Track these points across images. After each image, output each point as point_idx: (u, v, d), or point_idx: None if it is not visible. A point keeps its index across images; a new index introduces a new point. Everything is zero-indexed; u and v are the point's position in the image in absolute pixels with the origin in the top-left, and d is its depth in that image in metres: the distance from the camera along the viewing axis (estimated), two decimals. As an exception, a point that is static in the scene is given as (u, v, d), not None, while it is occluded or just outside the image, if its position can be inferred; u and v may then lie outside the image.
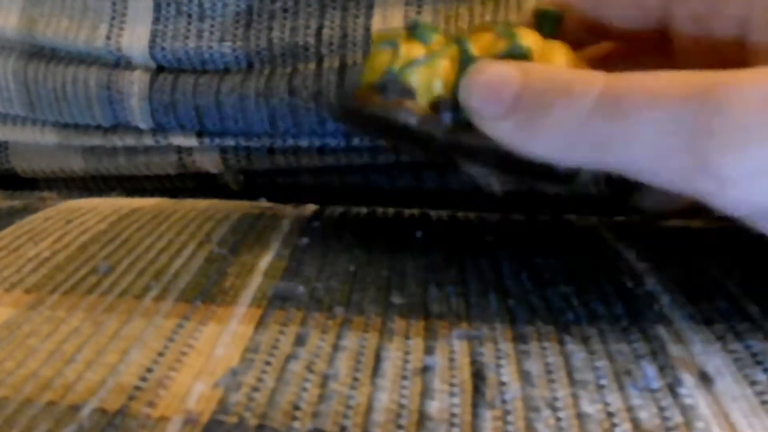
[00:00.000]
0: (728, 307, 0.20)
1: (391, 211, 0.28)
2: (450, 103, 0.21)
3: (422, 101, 0.22)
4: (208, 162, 0.36)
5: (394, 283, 0.22)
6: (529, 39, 0.22)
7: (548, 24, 0.23)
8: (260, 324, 0.19)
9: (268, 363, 0.18)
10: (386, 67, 0.22)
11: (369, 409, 0.16)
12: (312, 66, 0.32)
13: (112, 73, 0.34)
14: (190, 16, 0.33)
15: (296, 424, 0.16)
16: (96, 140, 0.36)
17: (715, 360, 0.18)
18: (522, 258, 0.23)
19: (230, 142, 0.34)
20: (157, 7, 0.33)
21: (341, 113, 0.25)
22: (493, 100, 0.20)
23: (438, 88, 0.22)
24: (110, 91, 0.34)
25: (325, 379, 0.17)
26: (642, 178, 0.18)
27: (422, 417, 0.16)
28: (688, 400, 0.16)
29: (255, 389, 0.17)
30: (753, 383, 0.17)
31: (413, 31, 0.23)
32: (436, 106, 0.22)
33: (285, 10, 0.32)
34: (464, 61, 0.21)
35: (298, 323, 0.19)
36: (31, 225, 0.27)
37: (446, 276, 0.22)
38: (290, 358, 0.18)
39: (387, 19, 0.32)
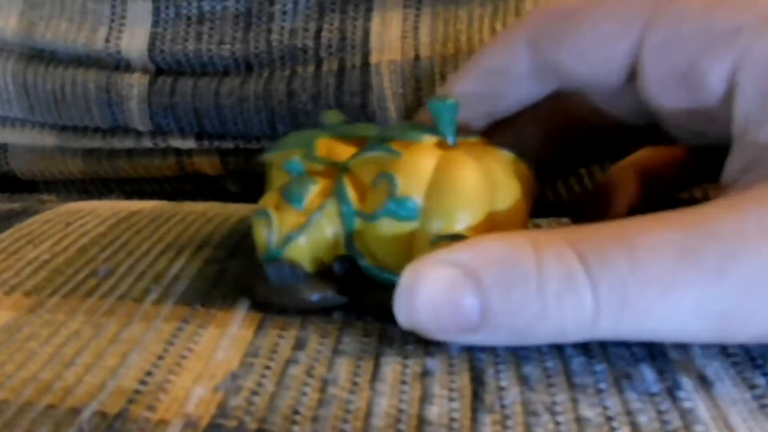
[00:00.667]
0: None
1: None
2: (342, 263, 0.20)
3: (311, 268, 0.20)
4: (207, 164, 0.36)
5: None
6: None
7: (449, 117, 0.20)
8: (260, 328, 0.20)
9: (267, 367, 0.18)
10: (264, 243, 0.20)
11: (368, 413, 0.16)
12: (311, 68, 0.32)
13: (111, 75, 0.34)
14: (189, 18, 0.33)
15: (296, 429, 0.16)
16: (95, 142, 0.36)
17: (714, 364, 0.18)
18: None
19: (229, 144, 0.34)
20: (156, 10, 0.33)
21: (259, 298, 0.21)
22: (451, 324, 0.17)
23: (325, 249, 0.20)
24: (109, 93, 0.34)
25: (324, 384, 0.17)
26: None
27: (422, 422, 0.16)
28: (687, 404, 0.16)
29: (255, 393, 0.17)
30: (752, 387, 0.17)
31: (286, 194, 0.20)
32: (326, 266, 0.20)
33: (284, 13, 0.32)
34: (347, 219, 0.20)
35: (297, 327, 0.20)
36: (30, 228, 0.27)
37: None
38: (290, 362, 0.18)
39: (386, 21, 0.32)
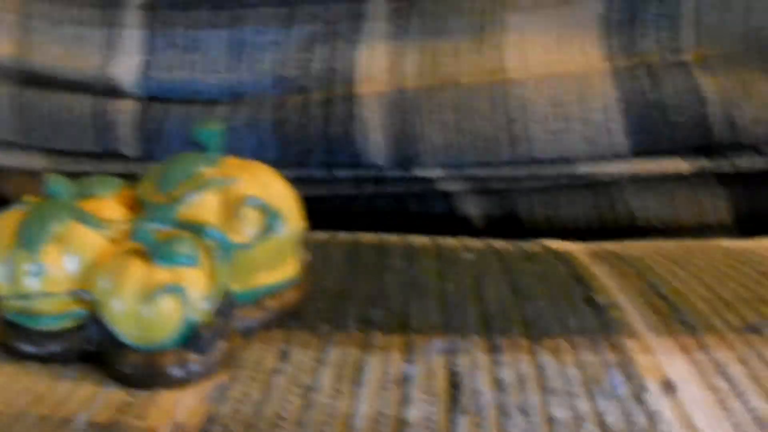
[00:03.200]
0: (693, 320, 0.21)
1: (373, 235, 0.29)
2: (230, 298, 0.20)
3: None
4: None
5: (376, 300, 0.22)
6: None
7: (217, 142, 0.21)
8: (246, 341, 0.20)
9: (253, 378, 0.19)
10: (182, 318, 0.18)
11: (350, 416, 0.17)
12: (298, 98, 0.33)
13: (103, 101, 0.35)
14: (181, 47, 0.34)
15: (281, 433, 0.16)
16: (85, 167, 0.36)
17: (679, 369, 0.18)
18: (501, 275, 0.24)
19: (217, 169, 0.35)
20: (150, 38, 0.34)
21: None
22: None
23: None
24: (101, 119, 0.35)
25: (308, 391, 0.18)
26: None
27: (401, 424, 0.17)
28: (653, 406, 0.17)
29: (241, 402, 0.18)
30: (715, 390, 0.18)
31: (180, 259, 0.19)
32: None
33: (275, 44, 0.33)
34: (227, 258, 0.20)
35: (281, 340, 0.20)
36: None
37: (427, 291, 0.23)
38: (275, 372, 0.19)
39: (373, 53, 0.33)
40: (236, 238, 0.20)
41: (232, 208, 0.20)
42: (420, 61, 0.32)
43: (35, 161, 0.37)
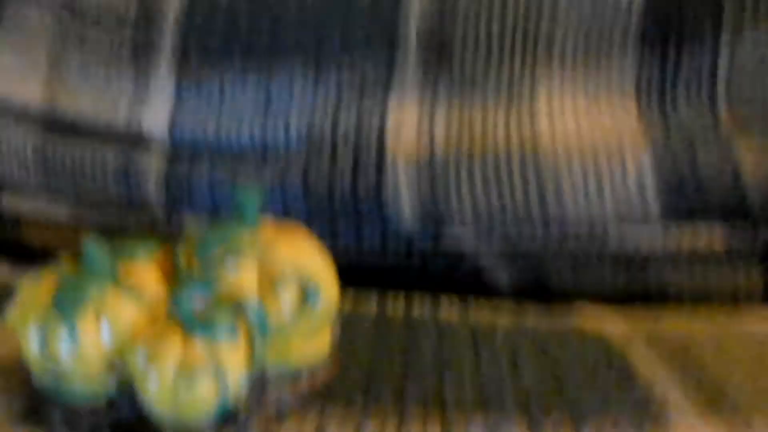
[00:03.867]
0: (738, 406, 0.20)
1: (402, 299, 0.28)
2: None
3: None
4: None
5: (410, 373, 0.22)
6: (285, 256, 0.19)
7: (251, 207, 0.20)
8: (278, 417, 0.20)
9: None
10: (219, 398, 0.18)
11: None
12: (327, 159, 0.33)
13: (130, 152, 0.34)
14: (210, 99, 0.34)
15: None
16: (110, 218, 0.36)
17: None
18: (536, 346, 0.24)
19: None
20: (178, 89, 0.34)
21: None
22: None
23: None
24: (127, 170, 0.35)
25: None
26: None
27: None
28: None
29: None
30: None
31: (214, 332, 0.18)
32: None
33: (303, 96, 0.33)
34: (265, 336, 0.19)
35: (316, 417, 0.20)
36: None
37: (461, 364, 0.22)
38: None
39: (402, 115, 0.33)
40: (274, 311, 0.19)
41: (271, 280, 0.19)
42: (449, 124, 0.32)
43: (60, 211, 0.37)
